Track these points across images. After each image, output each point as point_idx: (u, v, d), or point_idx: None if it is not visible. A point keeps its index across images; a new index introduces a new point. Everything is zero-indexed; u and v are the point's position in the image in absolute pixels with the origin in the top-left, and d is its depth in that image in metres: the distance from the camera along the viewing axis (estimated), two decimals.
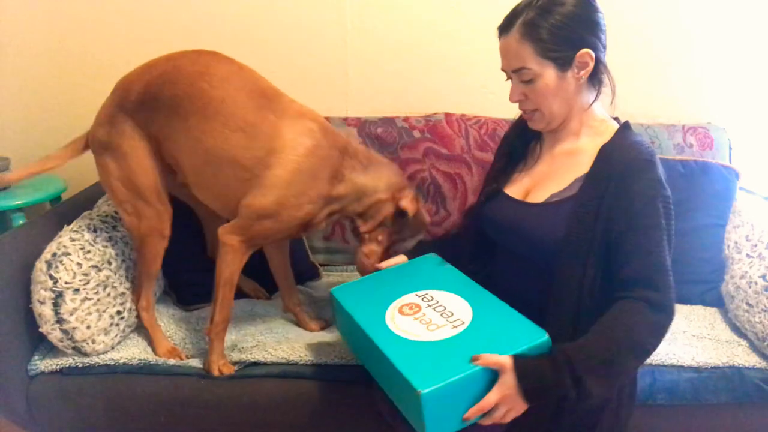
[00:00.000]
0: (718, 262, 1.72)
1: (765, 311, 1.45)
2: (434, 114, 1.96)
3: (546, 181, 1.22)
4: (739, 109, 2.05)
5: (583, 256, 1.11)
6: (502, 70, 1.19)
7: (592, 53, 1.11)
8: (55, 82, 2.05)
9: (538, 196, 1.21)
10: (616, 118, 1.24)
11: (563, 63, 1.12)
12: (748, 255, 1.60)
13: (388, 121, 1.93)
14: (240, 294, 1.75)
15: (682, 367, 1.42)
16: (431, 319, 1.13)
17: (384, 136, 1.90)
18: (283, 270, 1.65)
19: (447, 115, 1.95)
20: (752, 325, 1.49)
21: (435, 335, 1.09)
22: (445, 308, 1.16)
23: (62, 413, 1.43)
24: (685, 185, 1.72)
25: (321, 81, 2.04)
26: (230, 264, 1.39)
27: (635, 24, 1.96)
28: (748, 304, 1.51)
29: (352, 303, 1.22)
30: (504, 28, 1.14)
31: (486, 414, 1.00)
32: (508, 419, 1.01)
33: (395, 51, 2.02)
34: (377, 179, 1.42)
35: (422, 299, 1.19)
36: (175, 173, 1.51)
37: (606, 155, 1.15)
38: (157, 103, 1.40)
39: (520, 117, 1.29)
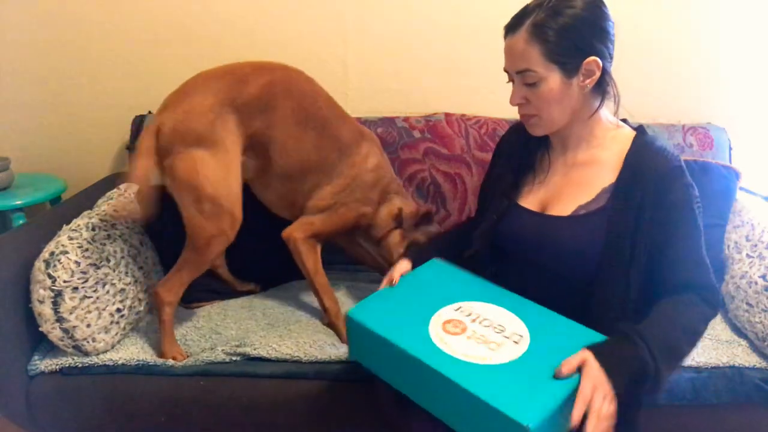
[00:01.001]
0: (718, 262, 1.71)
1: (765, 311, 1.45)
2: (434, 114, 1.96)
3: (566, 192, 1.19)
4: (739, 109, 2.05)
5: (625, 268, 1.10)
6: (505, 70, 1.16)
7: (600, 62, 1.08)
8: (55, 82, 2.05)
9: (562, 209, 1.17)
10: (624, 120, 1.23)
11: (569, 69, 1.09)
12: (748, 255, 1.59)
13: (388, 121, 1.93)
14: (233, 294, 1.77)
15: (682, 367, 1.41)
16: (484, 335, 1.05)
17: (384, 136, 1.90)
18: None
19: (447, 115, 1.95)
20: (752, 325, 1.49)
21: (502, 355, 1.01)
22: (491, 322, 1.09)
23: (62, 413, 1.43)
24: None
25: (321, 81, 2.02)
26: (308, 255, 1.56)
27: (635, 24, 1.96)
28: (748, 304, 1.51)
29: (381, 325, 1.10)
30: (511, 28, 1.11)
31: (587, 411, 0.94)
32: (605, 410, 0.94)
33: (395, 51, 2.02)
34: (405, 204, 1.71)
35: (460, 313, 1.11)
36: None
37: (633, 165, 1.13)
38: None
39: (518, 127, 1.26)
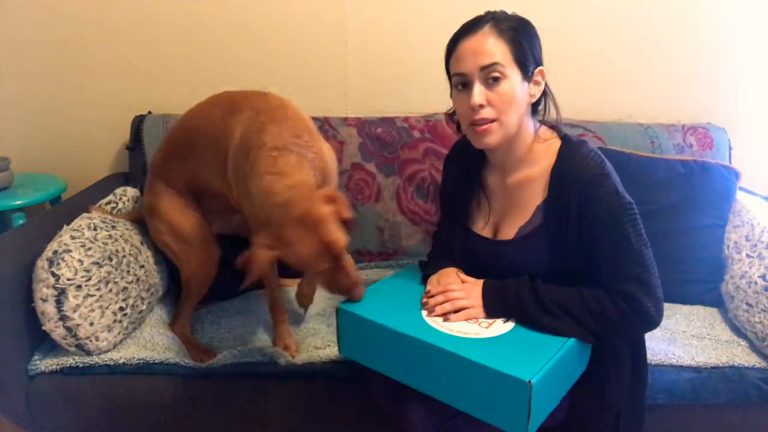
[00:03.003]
0: (718, 262, 1.72)
1: (765, 311, 1.45)
2: (434, 114, 1.96)
3: (510, 215, 1.23)
4: (739, 109, 2.05)
5: (574, 281, 1.14)
6: (465, 72, 1.14)
7: (545, 73, 1.14)
8: (55, 82, 2.05)
9: (508, 233, 1.22)
10: (554, 126, 1.22)
11: (527, 73, 1.12)
12: (748, 255, 1.60)
13: (388, 121, 1.93)
14: (230, 295, 1.76)
15: (681, 367, 1.42)
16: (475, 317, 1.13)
17: (384, 136, 1.90)
18: None
19: (447, 115, 1.94)
20: (752, 325, 1.49)
21: (495, 330, 1.08)
22: None
23: (62, 413, 1.43)
24: (685, 185, 1.73)
25: (321, 81, 2.04)
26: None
27: (635, 24, 1.96)
28: (748, 304, 1.52)
29: (374, 313, 1.14)
30: (470, 29, 1.13)
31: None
32: (455, 305, 1.13)
33: (395, 51, 2.02)
34: None
35: None
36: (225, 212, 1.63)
37: (558, 178, 1.14)
38: (177, 152, 1.58)
39: (458, 151, 1.35)
